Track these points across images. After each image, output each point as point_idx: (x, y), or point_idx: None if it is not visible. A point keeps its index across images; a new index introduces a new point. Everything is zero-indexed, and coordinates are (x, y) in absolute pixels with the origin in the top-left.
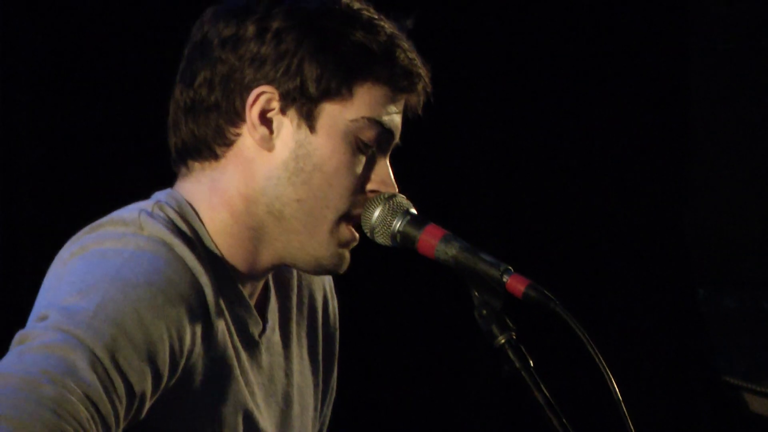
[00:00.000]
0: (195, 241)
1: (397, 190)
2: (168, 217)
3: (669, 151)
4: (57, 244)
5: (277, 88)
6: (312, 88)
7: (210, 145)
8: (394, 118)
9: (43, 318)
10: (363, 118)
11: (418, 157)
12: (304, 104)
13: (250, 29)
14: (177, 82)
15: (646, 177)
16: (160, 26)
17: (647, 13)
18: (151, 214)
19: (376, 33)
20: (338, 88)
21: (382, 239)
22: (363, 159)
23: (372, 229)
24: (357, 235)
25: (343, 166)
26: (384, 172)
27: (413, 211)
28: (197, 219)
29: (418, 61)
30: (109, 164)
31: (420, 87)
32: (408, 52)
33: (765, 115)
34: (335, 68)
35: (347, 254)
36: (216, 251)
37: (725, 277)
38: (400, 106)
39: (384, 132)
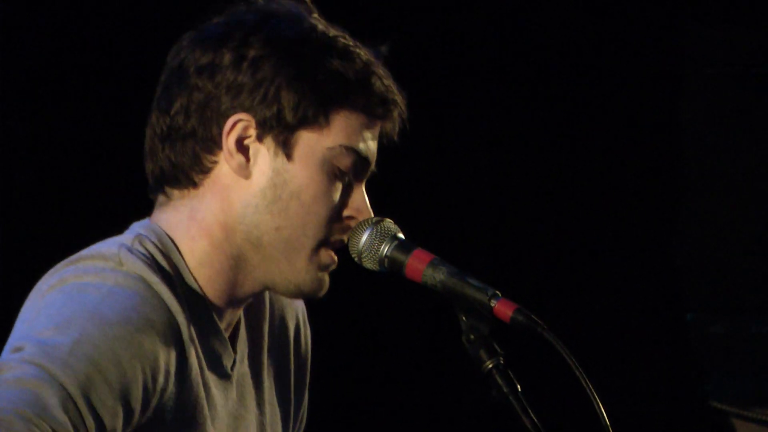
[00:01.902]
0: (174, 276)
1: (372, 215)
2: (148, 252)
3: (659, 177)
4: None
5: (254, 116)
6: (289, 116)
7: (188, 172)
8: (370, 145)
9: (19, 349)
10: (340, 146)
11: (401, 167)
12: (281, 132)
13: (227, 57)
14: (153, 108)
15: (636, 204)
16: (164, 31)
17: (641, 38)
18: (130, 250)
19: (352, 61)
20: (315, 116)
21: (369, 264)
22: (339, 186)
23: (360, 254)
24: (336, 258)
25: (321, 194)
26: (360, 199)
27: (401, 235)
28: (177, 253)
29: (393, 88)
30: (109, 168)
31: (395, 114)
32: (384, 80)
33: (757, 141)
34: (312, 96)
35: (326, 278)
36: (195, 285)
37: (714, 302)
38: (376, 133)
39: (360, 159)
